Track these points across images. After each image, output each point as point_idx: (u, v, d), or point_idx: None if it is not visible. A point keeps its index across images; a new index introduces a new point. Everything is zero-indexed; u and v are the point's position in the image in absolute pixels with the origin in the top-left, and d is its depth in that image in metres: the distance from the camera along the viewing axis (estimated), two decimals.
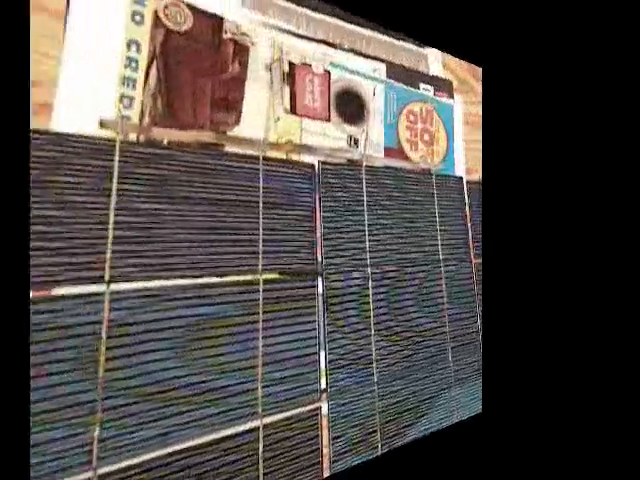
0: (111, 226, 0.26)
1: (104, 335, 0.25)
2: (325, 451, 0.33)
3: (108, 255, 0.25)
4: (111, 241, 0.26)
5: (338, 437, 0.34)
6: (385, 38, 0.37)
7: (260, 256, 0.30)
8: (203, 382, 0.28)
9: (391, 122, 0.41)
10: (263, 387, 0.31)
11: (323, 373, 0.35)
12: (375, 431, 0.36)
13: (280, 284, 0.32)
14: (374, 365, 0.37)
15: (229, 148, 0.30)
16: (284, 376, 0.32)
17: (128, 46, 0.27)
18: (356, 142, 0.37)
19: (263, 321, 0.31)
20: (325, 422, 0.34)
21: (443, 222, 0.46)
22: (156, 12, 0.27)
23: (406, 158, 0.44)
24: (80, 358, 0.24)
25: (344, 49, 0.34)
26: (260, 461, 0.30)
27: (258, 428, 0.30)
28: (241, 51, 0.30)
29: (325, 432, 0.34)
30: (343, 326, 0.36)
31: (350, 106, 0.36)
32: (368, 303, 0.39)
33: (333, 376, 0.35)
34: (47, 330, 0.23)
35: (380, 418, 0.36)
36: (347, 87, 0.34)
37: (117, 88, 0.27)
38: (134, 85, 0.27)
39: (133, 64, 0.27)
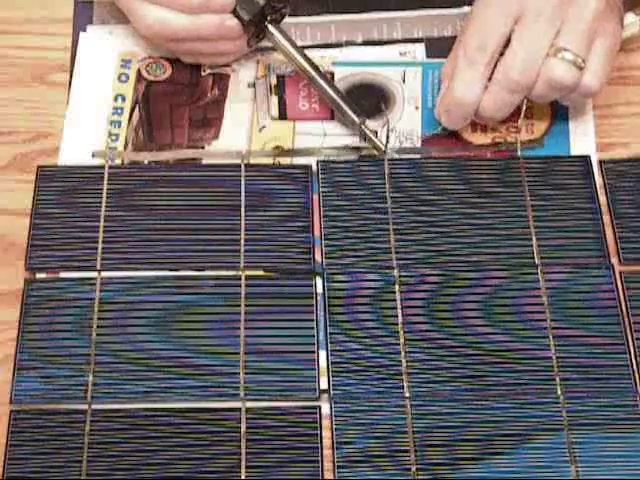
0: (101, 230, 0.36)
1: (96, 308, 0.34)
2: (327, 452, 0.33)
3: (99, 251, 0.35)
4: (102, 241, 0.36)
5: (345, 443, 0.33)
6: (421, 13, 0.32)
7: (242, 254, 0.34)
8: (182, 357, 0.33)
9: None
10: (246, 373, 0.34)
11: (324, 373, 0.34)
12: (407, 450, 0.33)
13: (265, 281, 0.35)
14: (404, 378, 0.34)
15: (207, 160, 0.35)
16: (271, 367, 0.34)
17: (115, 99, 0.38)
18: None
19: (247, 313, 0.34)
20: (327, 423, 0.34)
21: (544, 217, 0.37)
22: (139, 70, 0.36)
23: (465, 143, 0.37)
24: (78, 322, 0.34)
25: (353, 44, 0.32)
26: (243, 439, 0.33)
27: (240, 409, 0.33)
28: (221, 79, 0.34)
29: (327, 433, 0.33)
30: (352, 329, 0.35)
31: (364, 100, 0.34)
32: (393, 308, 0.35)
33: (338, 379, 0.34)
34: (55, 300, 0.34)
35: (415, 438, 0.33)
36: (359, 81, 0.32)
37: (107, 129, 0.38)
38: (120, 125, 0.37)
39: (119, 111, 0.37)
